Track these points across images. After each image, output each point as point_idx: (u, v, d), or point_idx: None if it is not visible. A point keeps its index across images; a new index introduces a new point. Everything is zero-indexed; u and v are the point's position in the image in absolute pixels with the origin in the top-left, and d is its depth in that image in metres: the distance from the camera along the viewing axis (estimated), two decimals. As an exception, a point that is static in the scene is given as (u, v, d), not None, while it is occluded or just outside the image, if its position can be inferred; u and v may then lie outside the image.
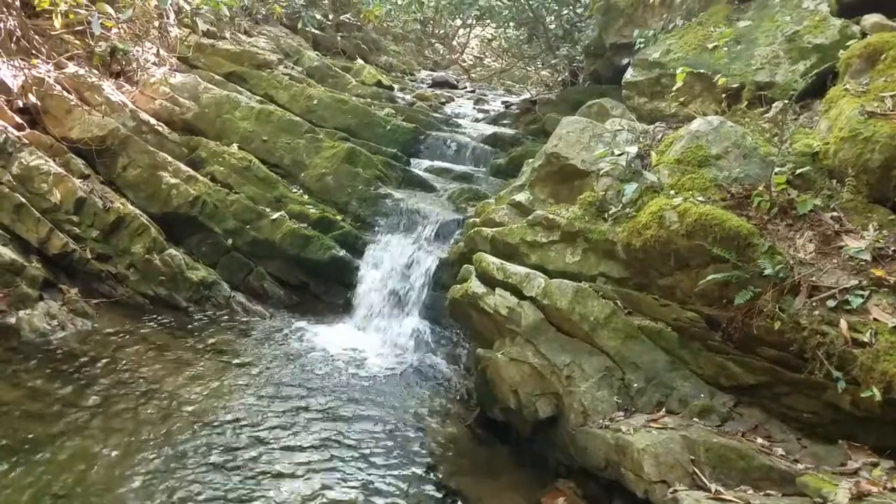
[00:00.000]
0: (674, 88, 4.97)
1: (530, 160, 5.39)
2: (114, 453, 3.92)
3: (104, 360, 5.05)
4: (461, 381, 5.44)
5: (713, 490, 2.97)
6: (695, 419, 3.48)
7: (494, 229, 4.88)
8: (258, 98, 8.35)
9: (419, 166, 8.15)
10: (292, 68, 9.69)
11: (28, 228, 5.66)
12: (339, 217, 7.07)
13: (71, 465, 3.76)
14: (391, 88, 11.25)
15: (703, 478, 3.06)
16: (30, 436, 3.98)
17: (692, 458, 3.14)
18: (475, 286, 4.57)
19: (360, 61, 12.40)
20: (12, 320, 5.16)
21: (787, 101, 4.00)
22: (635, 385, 3.71)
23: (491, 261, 4.55)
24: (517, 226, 4.67)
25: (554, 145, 4.68)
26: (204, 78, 8.22)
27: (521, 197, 4.93)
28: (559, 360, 4.00)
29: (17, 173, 5.86)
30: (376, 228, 7.04)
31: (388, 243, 6.76)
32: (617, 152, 4.31)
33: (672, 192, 3.80)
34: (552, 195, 4.75)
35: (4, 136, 5.98)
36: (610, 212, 4.14)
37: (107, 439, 4.06)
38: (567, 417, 3.89)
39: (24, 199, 5.71)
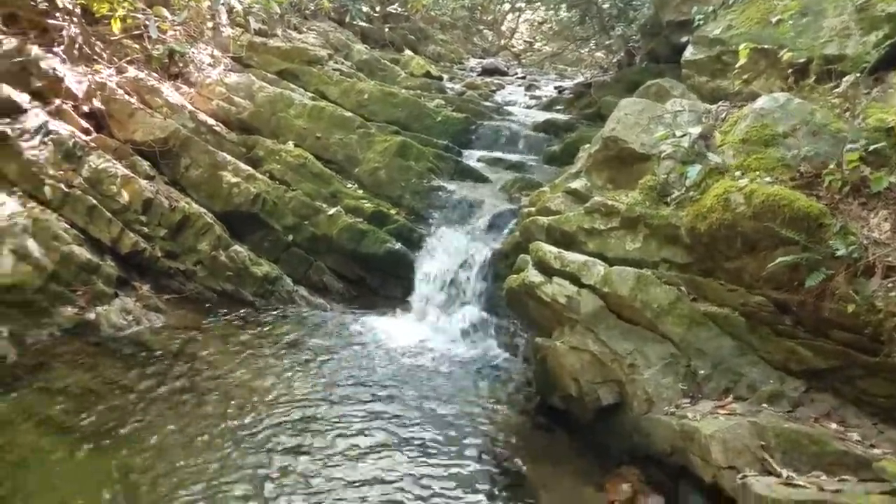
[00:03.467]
0: (736, 65, 4.91)
1: (586, 146, 5.43)
2: (188, 437, 4.21)
3: (177, 352, 5.41)
4: (519, 370, 5.55)
5: (784, 475, 2.99)
6: (764, 405, 3.50)
7: (550, 218, 4.95)
8: (310, 95, 8.64)
9: (471, 157, 8.27)
10: (342, 63, 9.96)
11: (100, 229, 6.08)
12: (393, 211, 7.27)
13: (149, 449, 4.06)
14: (440, 79, 11.39)
15: (773, 463, 3.09)
16: (111, 422, 4.32)
17: (762, 443, 3.16)
18: (532, 275, 4.67)
19: (408, 52, 12.59)
20: (92, 316, 5.58)
21: (858, 75, 3.93)
22: (701, 372, 3.74)
23: (548, 249, 4.63)
24: (574, 213, 4.74)
25: (611, 129, 4.72)
26: (257, 76, 8.55)
27: (578, 184, 4.98)
28: (621, 348, 4.06)
29: (87, 176, 6.29)
30: (430, 221, 7.21)
31: (443, 235, 6.92)
32: (678, 134, 4.31)
33: (738, 173, 3.79)
34: (610, 181, 4.79)
35: (74, 140, 6.42)
36: (672, 196, 4.16)
37: (181, 424, 4.36)
38: (630, 405, 3.95)
39: (95, 201, 6.12)
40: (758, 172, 3.71)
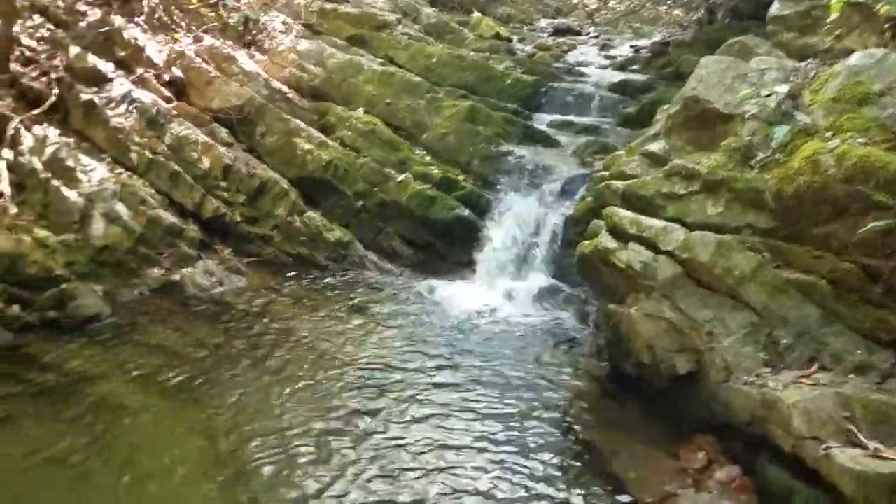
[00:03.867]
0: (828, 21, 4.66)
1: (664, 107, 5.32)
2: (264, 395, 4.46)
3: (257, 313, 5.72)
4: (589, 338, 5.57)
5: (871, 448, 2.94)
6: (850, 376, 3.41)
7: (626, 182, 4.90)
8: (379, 60, 8.75)
9: (541, 121, 8.20)
10: (410, 27, 9.99)
11: (183, 194, 6.44)
12: (461, 177, 7.34)
13: (229, 405, 4.32)
14: (509, 40, 11.26)
15: (859, 435, 3.03)
16: (196, 378, 4.61)
17: (847, 414, 3.11)
18: (606, 241, 4.65)
19: (476, 14, 12.47)
20: (177, 277, 5.96)
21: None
22: (784, 341, 3.67)
23: (623, 214, 4.60)
24: (651, 177, 4.67)
25: (692, 88, 4.60)
26: (328, 43, 8.72)
27: (656, 146, 4.90)
28: (699, 316, 4.03)
29: (169, 143, 6.65)
30: (498, 187, 7.25)
31: (512, 201, 6.95)
32: (764, 93, 4.17)
33: (828, 133, 3.65)
34: (691, 143, 4.68)
35: (156, 108, 6.78)
36: (757, 158, 4.04)
37: (261, 381, 4.63)
38: (707, 373, 3.93)
39: (178, 167, 6.48)
40: (850, 133, 3.56)
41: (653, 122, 5.66)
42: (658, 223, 4.36)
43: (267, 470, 3.69)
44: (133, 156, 6.40)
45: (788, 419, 3.21)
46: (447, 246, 7.22)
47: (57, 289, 5.12)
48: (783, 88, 4.13)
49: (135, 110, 6.65)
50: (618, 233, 4.64)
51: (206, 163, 6.61)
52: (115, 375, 4.57)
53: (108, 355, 4.82)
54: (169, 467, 3.69)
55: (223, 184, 6.65)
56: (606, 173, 5.45)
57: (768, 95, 4.12)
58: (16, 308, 4.90)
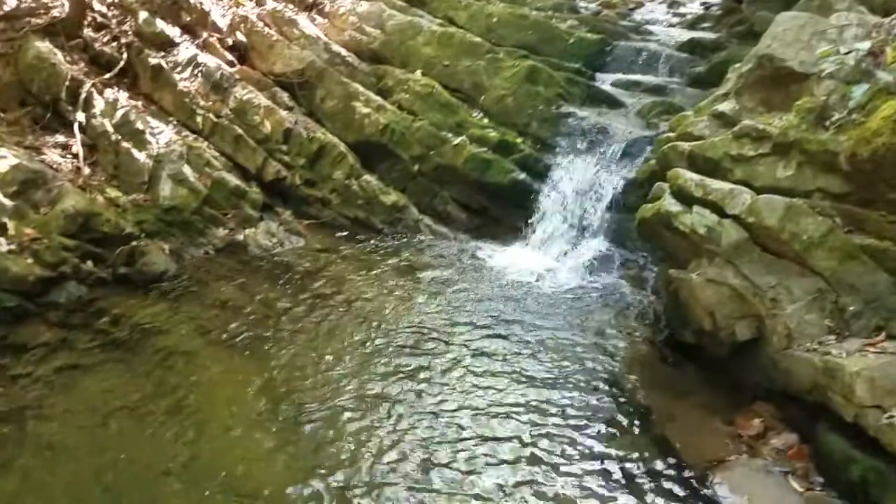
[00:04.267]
0: (919, -30, 4.40)
1: (736, 65, 5.14)
2: (323, 351, 4.68)
3: (316, 273, 5.95)
4: (647, 304, 5.55)
5: (940, 419, 2.89)
6: (922, 346, 3.33)
7: (693, 143, 4.81)
8: (439, 21, 8.72)
9: (605, 81, 8.05)
10: (470, -15, 9.87)
11: (246, 157, 6.68)
12: (518, 140, 7.30)
13: (286, 360, 4.55)
14: (573, -2, 10.99)
15: (927, 406, 2.98)
16: (259, 335, 4.86)
17: (916, 384, 3.04)
18: (669, 204, 4.60)
19: (538, -29, 12.19)
20: (240, 237, 6.25)
21: None
22: (851, 308, 3.59)
23: (689, 177, 4.53)
24: (720, 139, 4.57)
25: (767, 46, 4.44)
26: (387, 4, 8.74)
27: (726, 107, 4.77)
28: (763, 282, 3.97)
29: (233, 107, 6.89)
30: (557, 150, 7.18)
31: (570, 165, 6.88)
32: (843, 50, 3.99)
33: (911, 93, 3.49)
34: (762, 103, 4.55)
35: (220, 72, 7.01)
36: (832, 119, 3.90)
37: (317, 339, 4.85)
38: (769, 340, 3.89)
39: (241, 131, 6.72)
40: (937, 92, 3.40)
41: (723, 81, 5.49)
42: (725, 186, 4.27)
43: (318, 424, 3.89)
44: (198, 119, 6.66)
45: (851, 387, 3.16)
46: (502, 210, 7.25)
47: (128, 246, 5.46)
48: (864, 46, 3.93)
49: (200, 74, 6.90)
50: (682, 196, 4.58)
51: (267, 126, 6.82)
52: (181, 329, 4.88)
53: (175, 310, 5.14)
54: (230, 416, 3.95)
55: (284, 147, 6.86)
56: (672, 134, 5.34)
57: (847, 53, 3.94)
58: (90, 264, 5.24)
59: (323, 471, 3.51)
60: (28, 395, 4.00)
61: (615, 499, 3.43)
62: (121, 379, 4.24)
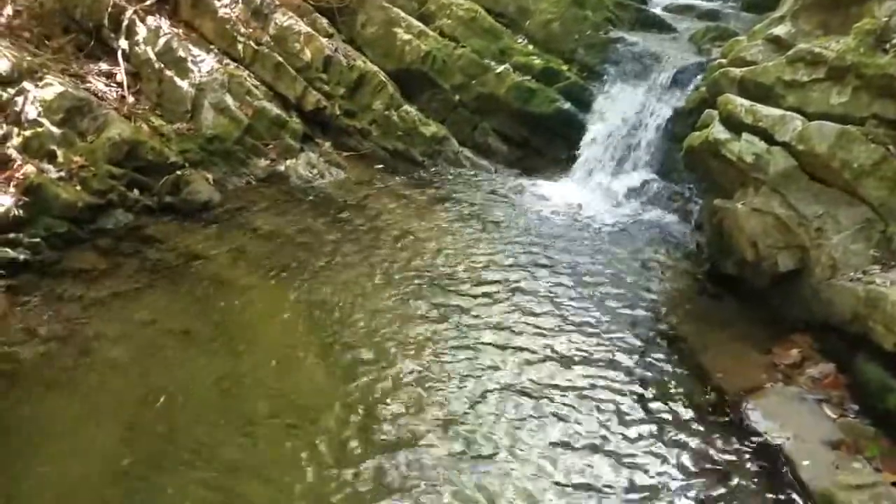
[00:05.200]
0: None
1: (795, -14, 5.00)
2: (362, 280, 4.90)
3: (354, 205, 6.16)
4: (690, 237, 5.63)
5: (982, 347, 2.96)
6: (971, 276, 3.36)
7: (745, 69, 4.76)
8: (484, -60, 8.52)
9: (657, 5, 7.87)
10: None
11: (286, 86, 6.82)
12: (564, 67, 7.24)
13: (330, 287, 4.80)
14: (627, -85, 10.55)
15: (970, 334, 3.04)
16: (300, 263, 5.10)
17: (960, 313, 3.10)
18: (717, 132, 4.61)
19: None
20: (282, 168, 6.47)
21: None
22: (900, 237, 3.62)
23: (739, 103, 4.52)
24: (773, 64, 4.52)
25: (827, -35, 4.32)
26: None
27: (781, 30, 4.68)
28: (810, 211, 4.00)
29: (273, 34, 6.99)
30: (604, 77, 7.11)
31: (617, 93, 6.84)
32: (910, -33, 3.87)
33: (981, 10, 3.39)
34: (820, 26, 4.45)
35: (260, -2, 7.07)
36: (892, 41, 3.82)
37: (357, 268, 5.07)
38: (812, 271, 3.95)
39: (281, 59, 6.83)
40: None
41: (779, 4, 5.34)
42: (776, 112, 4.26)
43: (356, 347, 4.13)
44: (239, 47, 6.80)
45: (892, 317, 3.24)
46: (545, 142, 7.27)
47: (172, 175, 5.71)
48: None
49: (240, 0, 6.99)
50: (731, 123, 4.57)
51: (307, 54, 6.92)
52: (225, 256, 5.15)
53: (219, 238, 5.40)
54: (273, 338, 4.23)
55: (323, 76, 6.96)
56: (724, 60, 5.28)
57: (915, -31, 3.82)
58: (136, 192, 5.50)
59: (360, 387, 3.76)
60: (82, 319, 4.25)
61: (648, 422, 3.63)
62: (168, 303, 4.51)
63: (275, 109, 6.62)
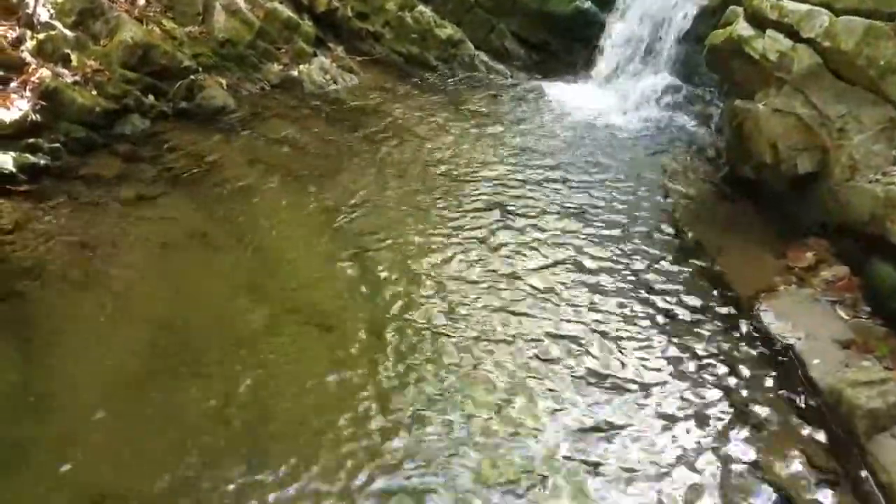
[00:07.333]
0: None
1: None
2: (378, 186, 4.93)
3: (369, 111, 6.12)
4: (710, 141, 5.57)
5: None
6: None
7: (772, -37, 4.54)
8: None
9: None
10: None
11: (297, -14, 6.62)
12: (585, -38, 6.93)
13: (346, 192, 4.83)
14: None
15: None
16: (316, 169, 5.12)
17: (978, 212, 3.10)
18: (741, 28, 4.46)
19: None
20: (295, 73, 6.37)
21: None
22: (923, 137, 3.57)
23: (765, -3, 4.35)
24: (802, -44, 4.31)
25: None
26: None
27: (812, -81, 4.43)
28: (832, 111, 3.93)
29: (281, -70, 6.70)
30: (628, -27, 6.83)
31: (640, -9, 6.58)
32: None
33: None
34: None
35: None
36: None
37: (372, 174, 5.10)
38: (831, 172, 3.92)
39: (291, -43, 6.60)
40: None
41: None
42: (803, 7, 4.11)
43: (375, 253, 4.19)
44: (246, -56, 6.55)
45: (911, 215, 3.24)
46: (564, 44, 7.07)
47: (186, 80, 5.66)
48: None
49: None
50: (757, 19, 4.42)
51: (316, -50, 6.68)
52: (242, 162, 5.16)
53: (235, 144, 5.40)
54: (292, 243, 4.29)
55: (334, -26, 6.75)
56: (752, -45, 5.03)
57: None
58: (151, 97, 5.47)
59: (381, 296, 3.83)
60: (102, 224, 4.31)
61: (665, 323, 3.73)
62: (186, 207, 4.56)
63: (286, 11, 6.46)
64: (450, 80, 6.88)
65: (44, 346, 3.34)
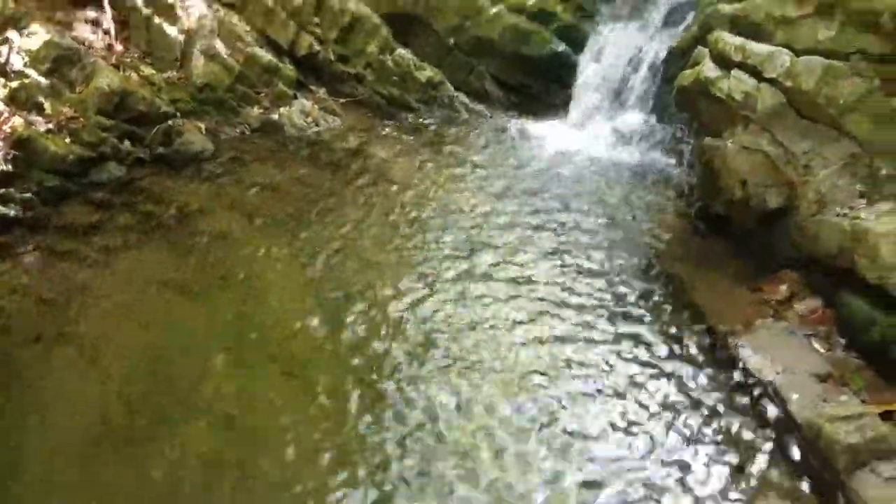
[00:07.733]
0: None
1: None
2: (360, 230, 4.96)
3: (351, 153, 6.18)
4: (682, 177, 5.66)
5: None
6: (953, 209, 3.40)
7: (736, 6, 4.71)
8: None
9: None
10: None
11: (277, 31, 6.73)
12: (558, 7, 7.09)
13: (328, 238, 4.85)
14: None
15: (949, 265, 3.10)
16: (297, 214, 5.14)
17: (940, 247, 3.16)
18: (708, 69, 4.58)
19: None
20: (275, 116, 6.44)
21: None
22: (883, 172, 3.65)
23: (730, 40, 4.49)
24: (764, 0, 4.46)
25: None
26: None
27: (772, -35, 4.60)
28: (797, 148, 4.03)
29: (263, -23, 6.83)
30: (597, 18, 6.99)
31: (611, 33, 6.74)
32: None
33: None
34: (811, -40, 4.37)
35: (247, -58, 6.89)
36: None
37: (358, 218, 5.12)
38: (799, 207, 3.99)
39: (271, 3, 6.71)
40: None
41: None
42: (765, 49, 4.23)
43: (357, 298, 4.20)
44: (229, -9, 6.66)
45: (876, 249, 3.31)
46: (541, 86, 7.20)
47: (164, 125, 5.68)
48: None
49: (227, -58, 6.82)
50: (722, 60, 4.55)
51: (297, -4, 6.79)
52: (219, 208, 5.16)
53: (213, 189, 5.40)
54: (272, 291, 4.28)
55: (315, 20, 6.85)
56: (717, -2, 5.20)
57: None
58: (128, 144, 5.47)
59: (356, 334, 3.89)
60: (77, 274, 4.29)
61: (642, 357, 3.75)
62: (165, 257, 4.54)
63: (267, 55, 6.55)
64: (430, 122, 6.96)
65: (9, 402, 3.33)
